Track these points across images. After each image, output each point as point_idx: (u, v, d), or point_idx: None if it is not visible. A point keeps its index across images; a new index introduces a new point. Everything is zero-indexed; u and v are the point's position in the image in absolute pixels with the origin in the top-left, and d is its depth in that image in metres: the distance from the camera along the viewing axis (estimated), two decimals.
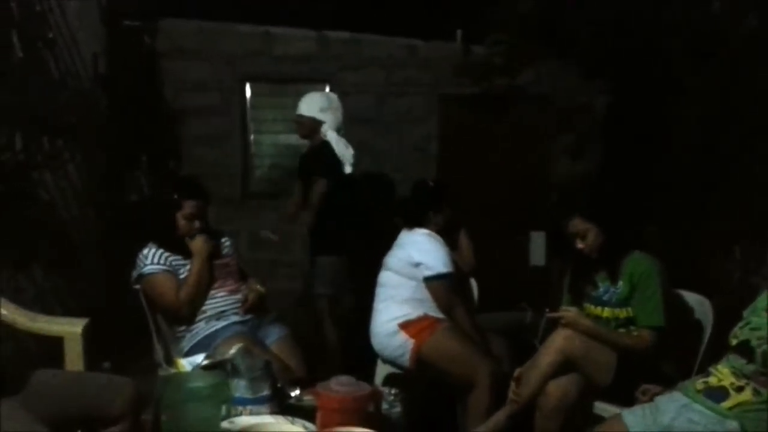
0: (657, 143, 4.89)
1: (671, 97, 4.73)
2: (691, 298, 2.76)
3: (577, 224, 2.63)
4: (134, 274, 2.82)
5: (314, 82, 5.26)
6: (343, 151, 3.92)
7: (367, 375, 2.92)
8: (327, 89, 5.27)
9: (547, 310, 2.68)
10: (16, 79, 3.30)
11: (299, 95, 4.72)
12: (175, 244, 2.82)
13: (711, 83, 4.28)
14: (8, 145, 3.28)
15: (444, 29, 5.27)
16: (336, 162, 3.88)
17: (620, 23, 4.72)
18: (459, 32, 5.29)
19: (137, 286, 2.82)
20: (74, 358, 2.34)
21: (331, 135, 3.89)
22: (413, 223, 3.07)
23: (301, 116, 3.98)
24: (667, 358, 2.56)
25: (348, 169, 3.94)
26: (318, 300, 3.82)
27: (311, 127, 3.94)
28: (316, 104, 3.97)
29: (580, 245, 2.64)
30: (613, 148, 5.43)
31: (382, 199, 4.66)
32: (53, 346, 2.37)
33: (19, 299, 2.69)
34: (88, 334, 2.38)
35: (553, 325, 2.63)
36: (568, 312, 2.58)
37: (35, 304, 3.10)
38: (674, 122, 4.75)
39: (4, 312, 2.35)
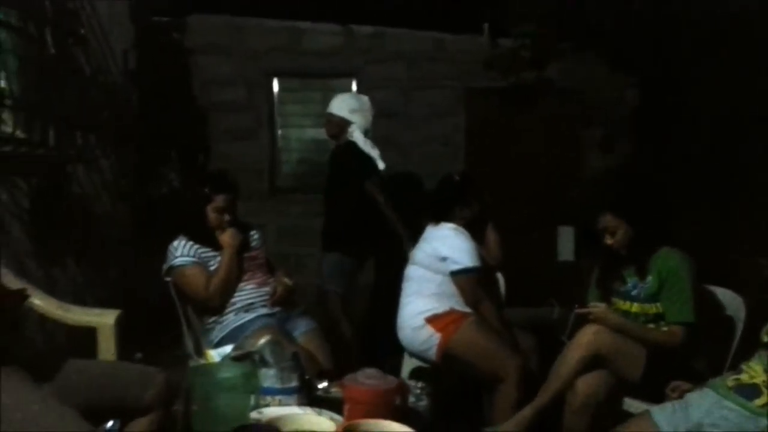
0: (688, 137, 4.83)
1: (701, 89, 4.66)
2: (724, 294, 2.73)
3: (608, 220, 2.60)
4: (165, 266, 2.86)
5: (340, 76, 5.29)
6: (370, 150, 3.95)
7: (386, 369, 2.93)
8: (353, 84, 5.30)
9: (576, 305, 2.66)
10: (49, 76, 3.35)
11: (325, 90, 4.74)
12: (205, 237, 2.86)
13: (743, 75, 4.21)
14: (42, 141, 3.35)
15: (471, 22, 5.25)
16: (367, 159, 3.91)
17: (647, 13, 4.66)
18: (486, 25, 5.26)
19: (168, 278, 2.86)
20: (107, 349, 2.38)
21: (357, 136, 3.91)
22: (439, 218, 3.06)
23: (332, 115, 4.00)
24: (698, 355, 2.53)
25: (381, 165, 3.96)
26: (329, 297, 3.85)
27: (340, 126, 3.96)
28: (347, 105, 3.99)
29: (609, 241, 2.62)
30: (643, 142, 5.37)
31: (409, 198, 4.66)
32: (85, 337, 2.41)
33: (52, 291, 2.74)
34: (120, 325, 2.42)
35: (582, 321, 2.61)
36: (597, 308, 2.56)
37: (68, 295, 3.16)
38: (705, 116, 4.68)
39: (38, 303, 2.39)
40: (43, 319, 2.48)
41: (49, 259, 3.23)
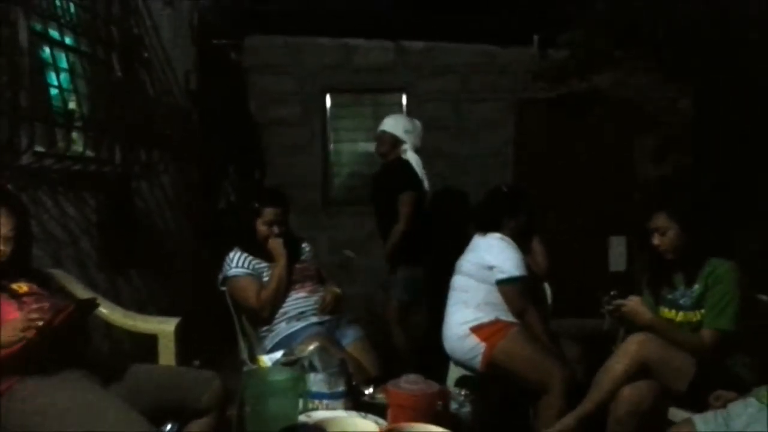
0: (746, 145, 4.73)
1: (759, 98, 4.57)
2: None
3: (661, 220, 2.59)
4: (220, 276, 3.00)
5: (391, 91, 5.39)
6: (421, 170, 4.09)
7: (441, 377, 3.00)
8: (404, 98, 5.41)
9: (613, 293, 2.63)
10: (115, 97, 3.56)
11: (376, 105, 4.85)
12: (258, 249, 2.98)
13: None
14: (109, 159, 3.55)
15: (520, 34, 5.28)
16: (417, 177, 4.03)
17: (701, 20, 4.59)
18: (536, 37, 5.29)
19: (223, 288, 3.00)
20: (167, 355, 2.50)
21: (411, 155, 4.05)
22: (487, 228, 3.11)
23: (384, 132, 4.13)
24: (745, 364, 2.50)
25: (426, 186, 4.10)
26: (390, 306, 3.94)
27: (392, 144, 4.09)
28: (401, 125, 4.15)
29: (656, 241, 2.60)
30: (698, 152, 5.27)
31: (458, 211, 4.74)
32: (147, 344, 2.56)
33: (117, 300, 2.91)
34: (180, 333, 2.55)
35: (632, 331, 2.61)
36: (631, 300, 2.56)
37: (132, 304, 3.33)
38: (764, 122, 4.58)
39: (104, 311, 2.54)
40: (109, 326, 2.63)
41: (115, 270, 3.41)
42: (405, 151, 4.08)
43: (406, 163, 4.05)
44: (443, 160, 5.18)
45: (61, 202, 3.03)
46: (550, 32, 5.14)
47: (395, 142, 4.09)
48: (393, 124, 4.14)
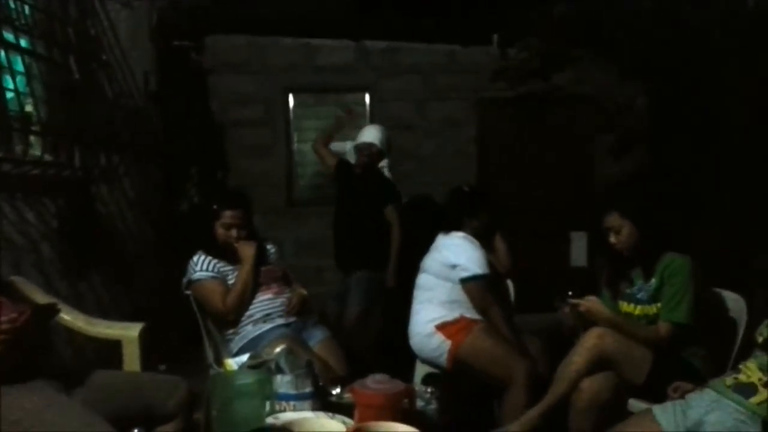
0: (701, 142, 4.86)
1: (715, 94, 4.70)
2: (727, 296, 2.78)
3: (614, 219, 2.67)
4: (184, 280, 2.97)
5: (354, 91, 5.41)
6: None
7: (409, 375, 3.03)
8: (366, 97, 5.43)
9: (570, 293, 2.70)
10: (73, 100, 3.50)
11: (339, 104, 4.86)
12: (223, 252, 2.95)
13: (757, 80, 4.24)
14: (68, 163, 3.49)
15: (481, 34, 5.34)
16: (399, 193, 4.16)
17: (660, 20, 4.70)
18: (495, 37, 5.35)
19: (187, 292, 2.97)
20: (132, 361, 2.48)
21: (387, 172, 4.14)
22: (450, 228, 3.15)
23: (373, 145, 4.12)
24: (701, 356, 2.58)
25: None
26: (350, 311, 3.96)
27: (378, 156, 4.11)
28: (385, 137, 4.18)
29: (612, 240, 2.68)
30: (657, 147, 5.40)
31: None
32: (111, 350, 2.53)
33: (80, 306, 2.87)
34: (144, 338, 2.53)
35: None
36: (588, 300, 2.62)
37: (95, 310, 3.29)
38: (718, 120, 4.71)
39: (66, 318, 2.50)
40: (72, 333, 2.59)
41: (76, 276, 3.36)
42: (385, 168, 4.16)
43: (389, 180, 4.15)
44: (407, 159, 5.21)
45: (20, 207, 2.97)
46: (510, 31, 5.20)
47: (381, 154, 4.15)
48: (379, 137, 4.17)
